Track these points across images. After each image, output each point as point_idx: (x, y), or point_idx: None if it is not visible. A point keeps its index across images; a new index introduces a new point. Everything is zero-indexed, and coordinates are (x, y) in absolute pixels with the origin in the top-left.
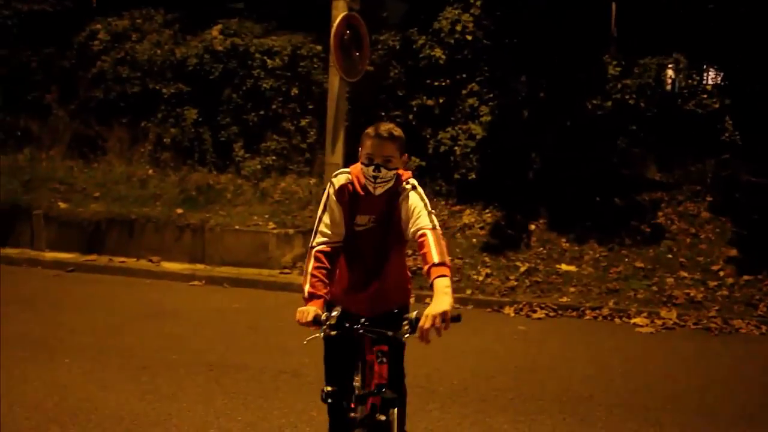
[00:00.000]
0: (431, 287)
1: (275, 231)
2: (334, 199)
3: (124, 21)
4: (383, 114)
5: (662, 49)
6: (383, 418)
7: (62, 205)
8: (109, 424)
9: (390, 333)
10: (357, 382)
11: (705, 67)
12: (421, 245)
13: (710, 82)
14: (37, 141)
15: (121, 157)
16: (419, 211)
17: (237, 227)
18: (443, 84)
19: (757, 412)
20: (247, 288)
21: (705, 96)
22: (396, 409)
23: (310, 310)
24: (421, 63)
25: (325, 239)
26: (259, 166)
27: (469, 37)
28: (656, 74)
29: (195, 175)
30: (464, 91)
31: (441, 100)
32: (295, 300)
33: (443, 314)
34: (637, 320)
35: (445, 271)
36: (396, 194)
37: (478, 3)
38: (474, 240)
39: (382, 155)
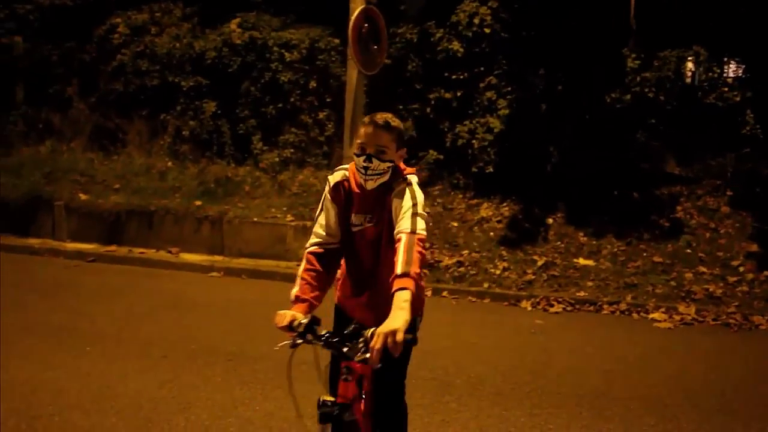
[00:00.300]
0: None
1: (293, 223)
2: (329, 198)
3: (143, 14)
4: (401, 107)
5: (682, 41)
6: None
7: (83, 196)
8: (130, 411)
9: (345, 350)
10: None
11: (726, 59)
12: (393, 252)
13: (731, 74)
14: (59, 133)
15: (141, 149)
16: (404, 211)
17: (255, 219)
18: (461, 77)
19: None
20: (265, 279)
21: (726, 89)
22: None
23: (288, 314)
24: (439, 56)
25: (318, 240)
26: (277, 159)
27: (487, 30)
28: (676, 67)
29: (214, 167)
30: (482, 85)
31: (459, 94)
32: None
33: (394, 333)
34: (655, 315)
35: (407, 283)
36: (390, 189)
37: None
38: (491, 233)
39: (375, 144)
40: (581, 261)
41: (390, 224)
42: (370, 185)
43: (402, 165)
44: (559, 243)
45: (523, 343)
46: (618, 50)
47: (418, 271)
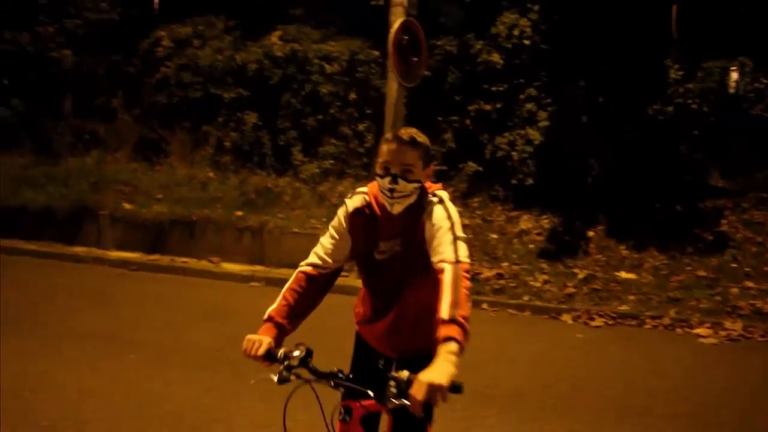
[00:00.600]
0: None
1: None
2: (344, 225)
3: (186, 28)
4: (440, 119)
5: (726, 51)
6: None
7: (127, 206)
8: (173, 419)
9: (371, 393)
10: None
11: None
12: (437, 285)
13: None
14: (104, 144)
15: (183, 160)
16: (442, 234)
17: (295, 230)
18: (501, 89)
19: None
20: None
21: None
22: None
23: (264, 341)
24: (479, 68)
25: (314, 261)
26: (317, 170)
27: (527, 42)
28: (720, 78)
29: (254, 178)
30: (522, 96)
31: (498, 105)
32: (350, 303)
33: (440, 388)
34: (700, 330)
35: (455, 332)
36: (420, 210)
37: (536, 8)
38: (531, 246)
39: (401, 163)
40: (623, 274)
41: (420, 247)
42: (397, 209)
43: (428, 183)
44: (600, 256)
45: (564, 357)
46: (660, 61)
47: (466, 314)
